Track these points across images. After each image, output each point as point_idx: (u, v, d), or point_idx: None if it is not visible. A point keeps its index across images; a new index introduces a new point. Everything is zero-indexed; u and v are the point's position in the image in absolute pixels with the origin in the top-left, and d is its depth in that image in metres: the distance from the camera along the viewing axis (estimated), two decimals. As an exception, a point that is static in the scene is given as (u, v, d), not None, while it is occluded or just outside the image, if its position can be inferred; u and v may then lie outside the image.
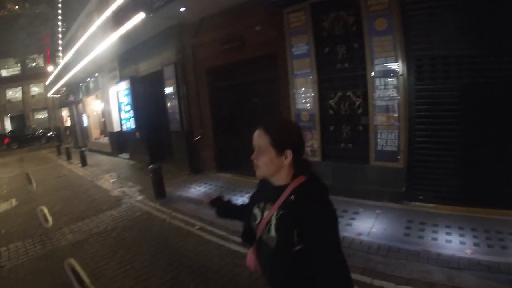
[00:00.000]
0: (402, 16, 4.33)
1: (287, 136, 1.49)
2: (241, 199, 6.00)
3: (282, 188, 1.50)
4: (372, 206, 4.86)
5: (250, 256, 1.74)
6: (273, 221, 1.49)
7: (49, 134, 28.64)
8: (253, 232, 1.67)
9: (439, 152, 4.45)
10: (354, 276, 3.23)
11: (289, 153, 1.46)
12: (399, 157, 4.69)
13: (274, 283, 1.60)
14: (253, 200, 1.74)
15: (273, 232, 1.48)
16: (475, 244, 3.52)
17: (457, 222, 4.02)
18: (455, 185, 4.41)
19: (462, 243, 3.58)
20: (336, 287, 1.36)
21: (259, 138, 1.51)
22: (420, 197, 4.68)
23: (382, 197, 4.93)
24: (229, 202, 2.03)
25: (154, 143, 10.88)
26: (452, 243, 3.62)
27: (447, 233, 3.82)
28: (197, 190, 7.12)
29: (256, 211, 1.64)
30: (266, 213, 1.56)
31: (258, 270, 1.73)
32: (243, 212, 1.84)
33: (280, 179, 1.52)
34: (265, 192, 1.64)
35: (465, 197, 4.31)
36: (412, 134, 4.59)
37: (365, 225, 4.32)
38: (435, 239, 3.75)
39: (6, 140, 28.16)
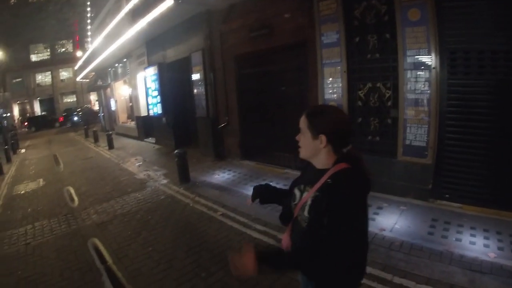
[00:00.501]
0: (437, 6, 4.23)
1: (322, 122, 1.57)
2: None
3: (322, 172, 1.59)
4: (397, 201, 4.85)
5: (285, 237, 1.85)
6: (308, 202, 1.59)
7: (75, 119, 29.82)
8: (291, 213, 1.77)
9: (469, 150, 4.37)
10: (375, 272, 3.31)
11: (323, 138, 1.55)
12: (427, 153, 4.64)
13: (302, 263, 1.67)
14: (295, 182, 1.83)
15: (306, 213, 1.59)
16: (499, 248, 3.47)
17: (482, 224, 3.96)
18: (483, 186, 4.32)
19: (486, 246, 3.54)
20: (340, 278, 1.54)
21: (301, 120, 1.62)
22: (447, 196, 4.62)
23: (407, 193, 4.92)
24: (268, 188, 2.03)
25: (179, 129, 11.22)
26: (476, 245, 3.57)
27: (472, 235, 3.77)
28: (221, 176, 7.32)
29: (296, 192, 1.74)
30: (304, 195, 1.66)
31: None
32: (282, 196, 1.94)
33: (319, 162, 1.62)
34: (307, 175, 1.73)
35: (493, 199, 4.22)
36: (442, 130, 4.52)
37: (389, 221, 4.32)
38: (459, 240, 3.71)
39: (61, 119, 30.50)
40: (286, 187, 1.93)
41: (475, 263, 3.25)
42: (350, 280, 1.63)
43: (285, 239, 1.85)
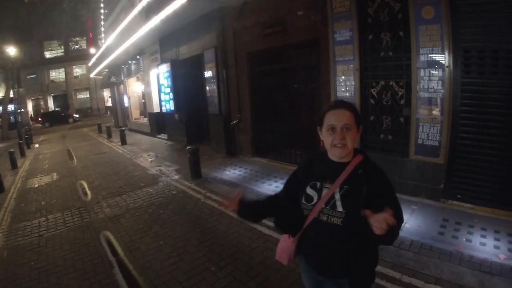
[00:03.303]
0: (451, 4, 4.21)
1: (359, 113, 1.62)
2: (274, 184, 6.22)
3: (343, 164, 1.61)
4: (408, 201, 4.84)
5: (285, 248, 1.82)
6: (337, 197, 1.58)
7: None
8: (292, 219, 1.75)
9: (483, 151, 4.33)
10: (384, 270, 3.34)
11: (361, 128, 1.62)
12: (439, 152, 4.64)
13: (334, 260, 1.65)
14: (297, 181, 1.79)
15: (339, 208, 1.57)
16: (509, 250, 3.44)
17: (493, 225, 3.95)
18: (495, 187, 4.28)
19: (496, 247, 3.51)
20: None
21: (345, 116, 1.56)
22: (458, 196, 4.60)
23: (419, 192, 4.93)
24: (253, 202, 1.91)
25: (192, 125, 11.39)
26: (486, 246, 3.56)
27: (482, 236, 3.76)
28: (232, 173, 7.41)
29: (311, 192, 1.67)
30: (324, 192, 1.62)
31: (291, 261, 1.83)
32: (271, 205, 1.89)
33: (348, 155, 1.62)
34: (317, 171, 1.71)
35: (505, 201, 4.19)
36: (455, 130, 4.50)
37: (400, 220, 4.34)
38: (469, 240, 3.70)
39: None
40: None
41: (485, 264, 3.25)
42: None
43: (284, 250, 1.82)
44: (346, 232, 1.55)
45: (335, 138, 1.56)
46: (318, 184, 1.66)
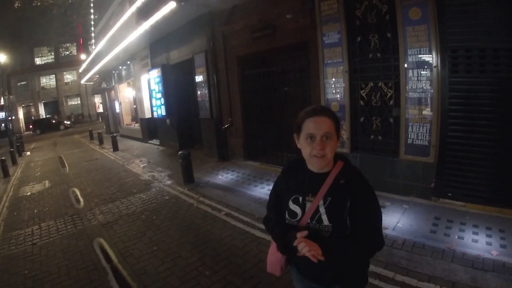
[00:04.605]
0: (437, 5, 4.23)
1: (339, 120, 1.53)
2: (267, 188, 6.19)
3: (324, 175, 1.53)
4: (400, 200, 4.86)
5: (275, 261, 1.76)
6: (322, 211, 1.50)
7: None
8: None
9: (472, 148, 4.35)
10: (377, 269, 3.32)
11: (340, 135, 1.54)
12: (429, 151, 4.65)
13: (326, 270, 1.59)
14: (281, 195, 1.69)
15: (326, 222, 1.49)
16: (501, 246, 3.46)
17: (485, 222, 3.96)
18: (486, 184, 4.31)
19: (488, 243, 3.53)
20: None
21: (326, 124, 1.45)
22: (449, 194, 4.61)
23: (410, 191, 4.94)
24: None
25: (183, 130, 11.30)
26: (479, 243, 3.57)
27: (474, 233, 3.77)
28: (225, 177, 7.36)
29: (294, 207, 1.59)
30: (308, 206, 1.54)
31: (283, 272, 1.77)
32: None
33: (328, 164, 1.53)
34: (297, 184, 1.62)
35: (496, 197, 4.21)
36: (445, 129, 4.51)
37: (391, 219, 4.32)
38: (461, 237, 3.71)
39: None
40: None
41: (477, 261, 3.26)
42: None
43: (276, 261, 1.75)
44: (334, 244, 1.48)
45: (315, 148, 1.46)
46: (300, 198, 1.58)
